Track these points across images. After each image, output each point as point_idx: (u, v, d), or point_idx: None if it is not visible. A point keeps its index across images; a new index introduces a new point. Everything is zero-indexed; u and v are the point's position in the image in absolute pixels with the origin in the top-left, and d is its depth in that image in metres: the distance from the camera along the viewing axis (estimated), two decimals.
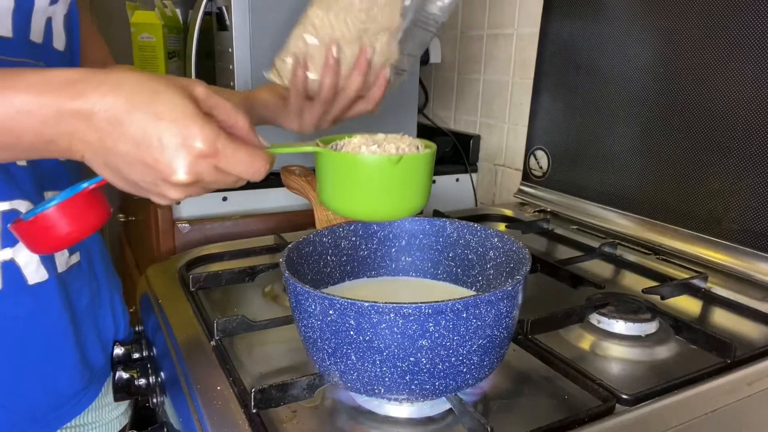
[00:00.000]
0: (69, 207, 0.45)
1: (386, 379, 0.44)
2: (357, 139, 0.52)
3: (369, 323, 0.42)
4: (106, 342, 0.67)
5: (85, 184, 0.45)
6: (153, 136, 0.38)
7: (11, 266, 0.54)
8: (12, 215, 0.53)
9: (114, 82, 0.39)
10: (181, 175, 0.39)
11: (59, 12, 0.58)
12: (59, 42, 0.59)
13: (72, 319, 0.60)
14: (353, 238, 0.61)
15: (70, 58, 0.62)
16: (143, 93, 0.39)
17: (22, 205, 0.54)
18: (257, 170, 0.43)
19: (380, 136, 0.53)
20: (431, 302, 0.41)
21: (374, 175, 0.49)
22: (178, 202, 0.89)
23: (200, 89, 0.42)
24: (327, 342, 0.45)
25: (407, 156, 0.49)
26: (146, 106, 0.38)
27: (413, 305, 0.41)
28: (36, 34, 0.55)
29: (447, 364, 0.44)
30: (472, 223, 0.60)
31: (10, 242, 0.53)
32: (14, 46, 0.53)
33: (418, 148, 0.51)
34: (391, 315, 0.41)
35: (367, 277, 0.62)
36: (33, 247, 0.47)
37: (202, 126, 0.39)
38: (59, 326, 0.59)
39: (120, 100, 0.38)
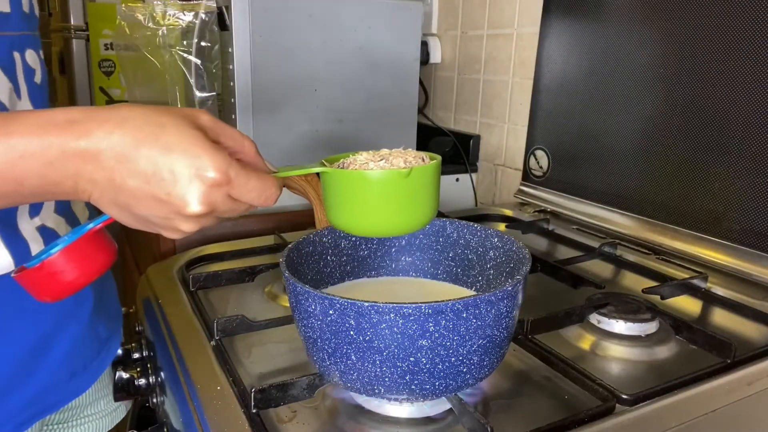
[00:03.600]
0: (75, 250, 0.42)
1: (386, 379, 0.44)
2: (363, 156, 0.51)
3: (369, 323, 0.42)
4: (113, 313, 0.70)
5: (90, 225, 0.43)
6: (164, 169, 0.38)
7: (45, 231, 0.55)
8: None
9: (118, 119, 0.38)
10: (195, 206, 0.39)
11: None
12: (35, 7, 0.58)
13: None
14: (353, 238, 0.61)
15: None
16: (149, 127, 0.38)
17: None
18: (269, 197, 0.42)
19: (384, 151, 0.52)
20: (431, 302, 0.41)
21: (386, 190, 0.48)
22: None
23: (205, 117, 0.42)
24: (327, 342, 0.45)
25: (416, 168, 0.48)
26: (154, 140, 0.38)
27: (413, 305, 0.41)
28: (26, 5, 0.55)
29: (447, 364, 0.44)
30: (472, 223, 0.60)
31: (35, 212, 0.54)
32: (13, 20, 0.52)
33: (423, 159, 0.51)
34: (391, 315, 0.41)
35: (367, 277, 0.62)
36: (39, 295, 0.43)
37: (213, 155, 0.39)
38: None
39: (127, 137, 0.37)
